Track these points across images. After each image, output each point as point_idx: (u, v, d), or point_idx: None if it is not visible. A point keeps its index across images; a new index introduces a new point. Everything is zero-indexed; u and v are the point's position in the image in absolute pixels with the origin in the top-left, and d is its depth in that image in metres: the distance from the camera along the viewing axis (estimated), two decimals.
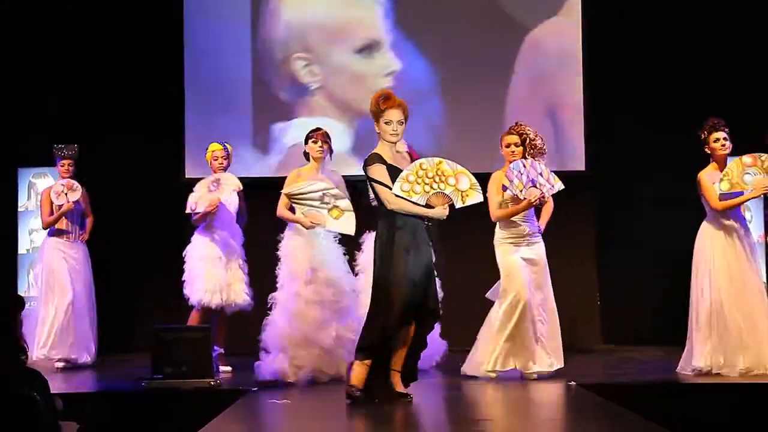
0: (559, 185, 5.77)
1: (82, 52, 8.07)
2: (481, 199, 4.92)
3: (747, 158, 5.82)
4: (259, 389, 5.38)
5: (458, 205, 4.86)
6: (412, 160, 4.95)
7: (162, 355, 5.45)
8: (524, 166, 5.73)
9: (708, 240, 5.85)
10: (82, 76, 8.06)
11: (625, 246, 7.99)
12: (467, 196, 4.84)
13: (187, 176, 7.93)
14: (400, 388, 4.84)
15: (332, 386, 5.51)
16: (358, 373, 4.72)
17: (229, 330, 6.60)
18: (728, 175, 5.77)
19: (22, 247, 7.91)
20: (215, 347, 6.18)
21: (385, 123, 4.81)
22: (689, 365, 5.79)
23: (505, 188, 5.82)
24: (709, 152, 5.93)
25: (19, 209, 7.93)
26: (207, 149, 6.59)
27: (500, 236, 5.96)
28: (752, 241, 6.04)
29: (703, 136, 5.91)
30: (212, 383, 5.40)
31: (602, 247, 8.12)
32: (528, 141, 5.85)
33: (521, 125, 5.96)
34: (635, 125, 8.00)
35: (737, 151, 5.96)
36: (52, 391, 3.42)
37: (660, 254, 7.79)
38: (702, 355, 5.70)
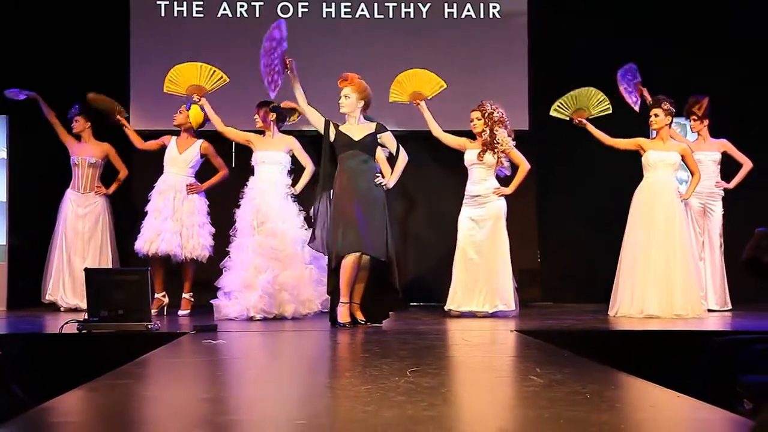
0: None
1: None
2: None
3: None
4: (197, 332, 5.34)
5: None
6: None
7: (98, 298, 5.33)
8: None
9: (640, 199, 6.51)
10: (26, 22, 7.92)
11: (565, 206, 8.12)
12: None
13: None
14: (359, 316, 5.71)
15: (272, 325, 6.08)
16: (342, 312, 5.65)
17: (199, 276, 6.94)
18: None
19: None
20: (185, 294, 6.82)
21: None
22: (612, 310, 6.47)
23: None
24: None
25: None
26: (190, 112, 6.84)
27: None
28: (681, 204, 6.52)
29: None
30: (149, 327, 5.31)
31: (543, 207, 8.27)
32: (487, 114, 6.59)
33: (482, 103, 6.68)
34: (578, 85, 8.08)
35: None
36: None
37: (600, 214, 7.90)
38: (621, 302, 6.40)
